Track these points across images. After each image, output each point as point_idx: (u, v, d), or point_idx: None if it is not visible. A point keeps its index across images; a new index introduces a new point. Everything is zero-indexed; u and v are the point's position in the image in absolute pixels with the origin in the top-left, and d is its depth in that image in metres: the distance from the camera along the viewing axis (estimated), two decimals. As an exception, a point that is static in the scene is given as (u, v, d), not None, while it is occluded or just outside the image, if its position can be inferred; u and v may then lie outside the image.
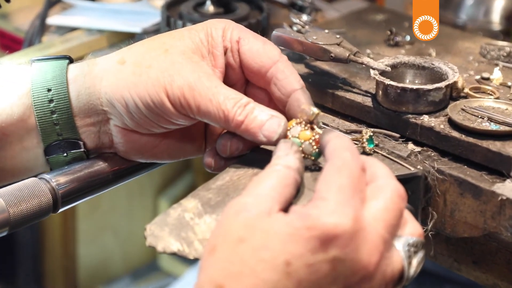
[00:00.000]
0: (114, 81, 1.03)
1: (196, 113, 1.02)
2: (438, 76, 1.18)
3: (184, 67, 1.02)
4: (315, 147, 1.02)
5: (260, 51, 1.05)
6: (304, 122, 1.02)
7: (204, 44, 1.06)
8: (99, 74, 1.05)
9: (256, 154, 1.05)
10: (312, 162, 1.03)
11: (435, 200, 1.09)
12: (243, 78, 1.08)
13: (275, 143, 1.01)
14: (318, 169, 1.04)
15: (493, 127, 1.09)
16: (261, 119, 1.01)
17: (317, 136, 1.02)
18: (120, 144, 1.09)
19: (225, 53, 1.06)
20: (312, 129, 1.02)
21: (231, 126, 1.01)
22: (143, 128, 1.06)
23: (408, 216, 0.87)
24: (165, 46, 1.05)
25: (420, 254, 0.86)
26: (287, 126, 1.03)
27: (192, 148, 1.13)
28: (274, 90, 1.04)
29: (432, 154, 1.11)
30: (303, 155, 1.02)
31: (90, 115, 1.06)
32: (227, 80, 1.08)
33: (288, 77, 1.04)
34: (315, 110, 1.03)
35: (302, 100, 1.03)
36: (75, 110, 1.06)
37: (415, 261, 0.85)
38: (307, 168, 1.03)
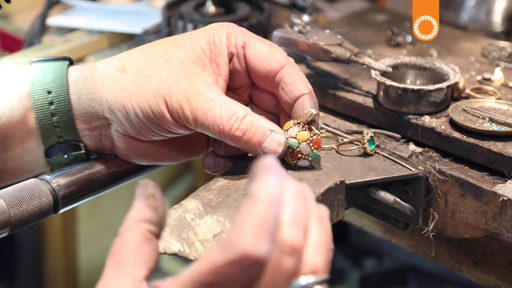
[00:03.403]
0: (115, 89, 1.03)
1: (194, 125, 1.01)
2: (439, 76, 1.18)
3: (183, 79, 1.02)
4: (312, 148, 1.02)
5: (267, 55, 1.05)
6: (302, 123, 1.02)
7: (206, 53, 1.05)
8: (99, 80, 1.04)
9: None
10: (310, 163, 1.03)
11: (436, 201, 1.09)
12: (249, 82, 1.08)
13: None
14: (318, 169, 1.04)
15: (494, 127, 1.09)
16: (260, 136, 1.00)
17: (314, 137, 1.02)
18: (121, 148, 1.08)
19: (231, 59, 1.05)
20: (310, 130, 1.02)
21: (227, 139, 1.01)
22: (143, 136, 1.05)
23: (314, 252, 0.79)
24: (166, 55, 1.04)
25: None
26: (285, 127, 1.03)
27: (193, 150, 1.13)
28: (282, 94, 1.04)
29: (433, 155, 1.11)
30: (300, 156, 1.02)
31: (91, 120, 1.06)
32: (232, 84, 1.07)
33: (295, 81, 1.03)
34: (313, 110, 1.02)
35: (306, 105, 1.02)
36: (76, 114, 1.06)
37: None
38: (306, 169, 1.03)
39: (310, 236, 0.78)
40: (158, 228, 0.79)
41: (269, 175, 0.74)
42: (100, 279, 0.76)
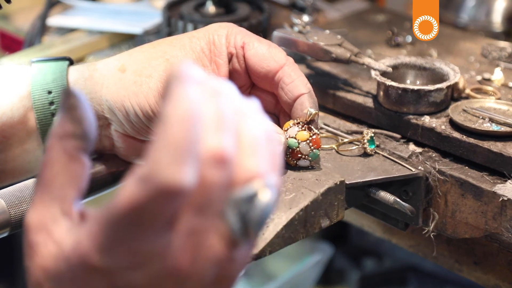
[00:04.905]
0: (115, 89, 1.03)
1: None
2: (439, 76, 1.18)
3: None
4: (312, 147, 1.02)
5: (266, 55, 1.05)
6: (301, 123, 1.02)
7: (206, 53, 1.05)
8: (99, 80, 1.05)
9: None
10: (310, 163, 1.03)
11: (436, 201, 1.09)
12: (248, 82, 1.08)
13: None
14: (318, 169, 1.04)
15: (494, 128, 1.09)
16: None
17: (314, 137, 1.02)
18: (121, 148, 1.09)
19: (230, 59, 1.06)
20: (310, 129, 1.02)
21: None
22: (143, 136, 1.06)
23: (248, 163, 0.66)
24: (166, 55, 1.04)
25: (260, 201, 0.64)
26: (285, 127, 1.03)
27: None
28: (281, 94, 1.04)
29: (433, 155, 1.11)
30: (300, 155, 1.02)
31: (91, 120, 1.06)
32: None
33: (295, 81, 1.03)
34: (312, 110, 1.03)
35: (306, 105, 1.03)
36: (76, 114, 1.06)
37: (254, 213, 0.64)
38: (306, 169, 1.03)
39: (243, 136, 0.66)
40: (84, 142, 0.69)
41: (182, 88, 0.63)
42: (30, 207, 0.70)
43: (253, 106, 0.69)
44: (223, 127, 0.65)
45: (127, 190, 0.62)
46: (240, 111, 0.68)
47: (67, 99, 0.69)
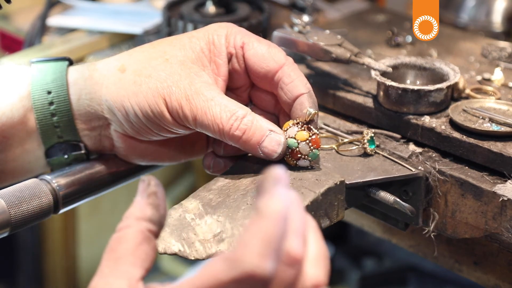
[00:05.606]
0: (114, 89, 1.03)
1: (193, 125, 1.02)
2: (439, 76, 1.18)
3: (183, 78, 1.02)
4: (312, 147, 1.02)
5: (265, 55, 1.05)
6: (301, 123, 1.02)
7: (205, 53, 1.05)
8: (99, 80, 1.05)
9: None
10: (310, 163, 1.03)
11: (436, 201, 1.09)
12: (248, 82, 1.08)
13: (274, 160, 1.01)
14: (318, 169, 1.04)
15: (494, 128, 1.09)
16: (259, 135, 1.00)
17: (313, 137, 1.02)
18: (121, 148, 1.09)
19: (230, 59, 1.06)
20: (309, 129, 1.02)
21: (226, 139, 1.01)
22: (142, 136, 1.06)
23: (313, 265, 0.77)
24: (166, 55, 1.04)
25: None
26: (284, 127, 1.03)
27: (193, 151, 1.13)
28: (281, 94, 1.04)
29: (433, 155, 1.11)
30: (300, 155, 1.02)
31: (91, 120, 1.06)
32: (232, 84, 1.08)
33: (294, 81, 1.03)
34: (312, 110, 1.03)
35: (305, 104, 1.03)
36: (76, 114, 1.06)
37: None
38: (306, 169, 1.03)
39: (309, 247, 0.76)
40: (157, 228, 0.77)
41: (277, 190, 0.72)
42: (96, 274, 0.75)
43: (313, 221, 0.79)
44: (300, 234, 0.74)
45: (213, 266, 0.70)
46: (306, 222, 0.77)
47: (149, 186, 0.77)
